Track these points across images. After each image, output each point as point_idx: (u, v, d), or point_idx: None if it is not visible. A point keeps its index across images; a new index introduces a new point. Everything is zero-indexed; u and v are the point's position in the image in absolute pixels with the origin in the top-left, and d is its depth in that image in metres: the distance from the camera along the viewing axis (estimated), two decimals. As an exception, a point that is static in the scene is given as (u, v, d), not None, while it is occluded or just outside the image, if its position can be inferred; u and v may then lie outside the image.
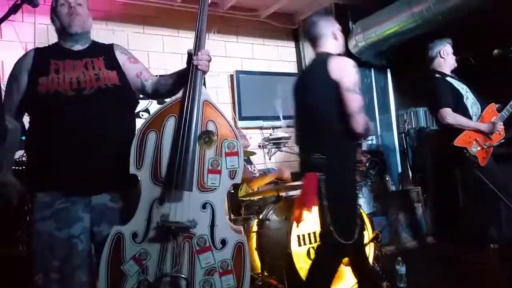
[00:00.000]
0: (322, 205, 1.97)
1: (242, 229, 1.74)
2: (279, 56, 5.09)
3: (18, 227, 2.68)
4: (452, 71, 3.05)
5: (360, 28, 4.47)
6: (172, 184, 1.57)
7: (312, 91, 2.10)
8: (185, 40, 4.27)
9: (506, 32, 3.46)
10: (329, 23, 2.22)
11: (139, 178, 1.64)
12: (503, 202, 2.78)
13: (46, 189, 1.61)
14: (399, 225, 3.79)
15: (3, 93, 1.60)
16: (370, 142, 4.70)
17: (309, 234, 2.67)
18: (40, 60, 1.70)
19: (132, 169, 1.61)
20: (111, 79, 1.72)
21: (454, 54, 3.06)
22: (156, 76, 1.89)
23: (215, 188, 1.64)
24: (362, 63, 4.80)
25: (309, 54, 5.08)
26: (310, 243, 2.66)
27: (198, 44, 1.72)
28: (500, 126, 2.90)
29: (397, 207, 3.90)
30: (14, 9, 1.44)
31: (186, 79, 1.72)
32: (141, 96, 1.92)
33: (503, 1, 3.24)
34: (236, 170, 1.66)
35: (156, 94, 1.89)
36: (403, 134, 4.68)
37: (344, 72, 1.99)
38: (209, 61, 1.72)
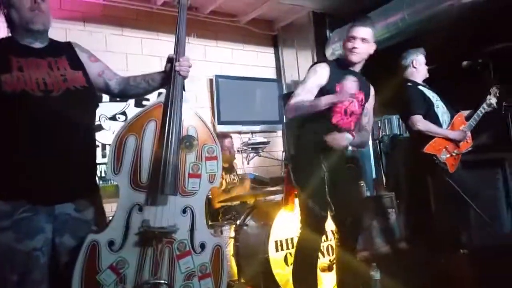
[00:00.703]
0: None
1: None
2: (258, 62, 5.13)
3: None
4: (424, 81, 3.15)
5: (337, 36, 4.56)
6: (156, 189, 1.55)
7: None
8: (164, 42, 4.24)
9: (474, 44, 3.62)
10: None
11: (117, 183, 1.59)
12: (472, 208, 2.88)
13: (6, 197, 1.48)
14: (373, 230, 3.85)
15: None
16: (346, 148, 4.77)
17: (286, 240, 2.69)
18: None
19: (110, 174, 1.57)
20: (78, 81, 1.64)
21: (426, 64, 3.16)
22: (120, 76, 1.84)
23: (195, 192, 1.65)
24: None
25: (287, 60, 5.15)
26: (288, 248, 2.68)
27: (179, 50, 1.74)
28: (468, 135, 3.01)
29: (371, 212, 3.96)
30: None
31: (160, 83, 1.77)
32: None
33: (473, 16, 3.38)
34: (215, 174, 1.69)
35: (123, 95, 1.85)
36: (377, 141, 4.79)
37: None
38: (190, 66, 1.74)
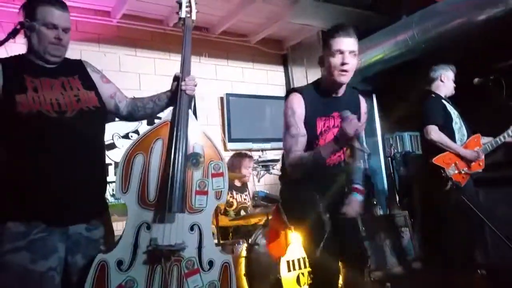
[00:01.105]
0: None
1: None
2: (268, 80, 5.17)
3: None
4: (448, 98, 3.14)
5: (347, 55, 4.57)
6: (164, 206, 1.55)
7: None
8: (177, 63, 4.27)
9: (485, 61, 3.60)
10: None
11: (124, 203, 1.59)
12: (488, 227, 2.82)
13: (21, 218, 1.47)
14: (387, 249, 3.79)
15: None
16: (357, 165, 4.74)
17: (298, 260, 2.66)
18: (11, 74, 1.55)
19: (118, 193, 1.57)
20: (91, 101, 1.66)
21: (454, 81, 3.15)
22: (129, 98, 1.85)
23: (202, 209, 1.66)
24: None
25: (297, 78, 5.19)
26: (300, 268, 2.65)
27: (185, 69, 1.77)
28: (482, 157, 2.97)
29: (384, 231, 3.91)
30: (13, 34, 1.46)
31: (167, 103, 1.79)
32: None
33: (483, 33, 3.38)
34: (221, 191, 1.69)
35: (131, 117, 1.85)
36: (389, 158, 4.75)
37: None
38: (195, 85, 1.76)
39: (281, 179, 2.12)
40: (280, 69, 5.34)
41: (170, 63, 4.34)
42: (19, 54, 1.67)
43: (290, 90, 1.97)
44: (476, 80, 2.99)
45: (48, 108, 1.54)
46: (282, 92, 5.23)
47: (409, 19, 3.87)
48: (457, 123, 3.00)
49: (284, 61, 5.36)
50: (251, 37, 4.89)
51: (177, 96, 1.71)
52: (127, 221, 1.57)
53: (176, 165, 1.59)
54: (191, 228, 1.62)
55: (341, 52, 1.82)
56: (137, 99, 1.85)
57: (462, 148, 2.93)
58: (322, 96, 1.90)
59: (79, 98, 1.62)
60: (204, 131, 1.75)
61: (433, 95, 3.07)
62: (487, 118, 3.07)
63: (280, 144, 5.09)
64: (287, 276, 2.58)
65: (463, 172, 2.90)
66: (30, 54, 1.64)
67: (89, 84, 1.71)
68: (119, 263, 1.51)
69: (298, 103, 1.84)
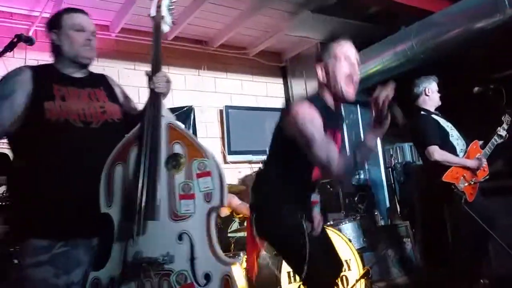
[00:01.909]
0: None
1: (235, 261, 1.58)
2: (267, 92, 5.19)
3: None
4: (436, 109, 3.13)
5: (345, 66, 4.60)
6: (140, 216, 1.41)
7: None
8: (177, 76, 4.34)
9: (485, 70, 3.62)
10: None
11: (111, 217, 1.48)
12: (492, 237, 2.80)
13: (45, 235, 1.43)
14: (389, 260, 3.76)
15: None
16: (358, 176, 4.73)
17: (299, 271, 2.63)
18: (40, 82, 1.54)
19: (103, 208, 1.46)
20: (116, 113, 1.65)
21: (438, 91, 3.13)
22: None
23: (190, 215, 1.45)
24: (348, 99, 4.92)
25: (296, 90, 5.21)
26: (296, 281, 2.62)
27: (155, 66, 1.65)
28: (484, 163, 2.96)
29: (386, 242, 3.88)
30: (10, 47, 1.45)
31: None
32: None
33: (481, 43, 3.40)
34: (211, 192, 1.47)
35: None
36: (390, 169, 4.74)
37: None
38: (168, 82, 1.63)
39: (258, 190, 1.82)
40: (279, 81, 5.36)
41: (170, 77, 4.34)
42: (47, 64, 1.67)
43: (299, 100, 1.80)
44: (476, 89, 2.99)
45: (75, 118, 1.52)
46: (281, 104, 5.24)
47: (408, 30, 3.91)
48: (453, 135, 2.97)
49: (283, 73, 5.38)
50: (250, 50, 4.92)
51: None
52: (115, 236, 1.45)
53: (146, 168, 1.44)
54: (179, 238, 1.43)
55: (349, 59, 1.69)
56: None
57: (466, 160, 2.90)
58: (326, 108, 1.73)
59: (104, 110, 1.61)
60: (182, 128, 1.58)
61: (423, 112, 3.04)
62: (487, 126, 3.07)
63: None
64: (289, 289, 2.55)
65: (472, 182, 2.88)
66: (58, 63, 1.64)
67: (113, 97, 1.71)
68: (111, 280, 1.41)
69: (315, 112, 1.62)
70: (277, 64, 5.31)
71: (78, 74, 1.66)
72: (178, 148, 1.52)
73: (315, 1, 4.00)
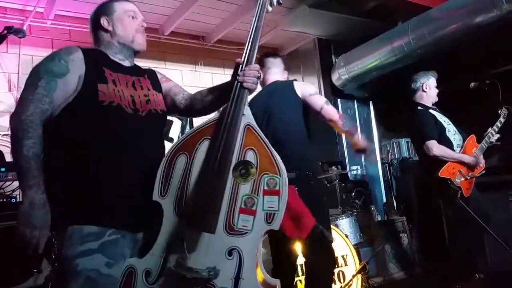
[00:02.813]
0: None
1: (278, 283, 1.39)
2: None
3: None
4: (434, 104, 3.13)
5: (343, 62, 4.61)
6: (196, 223, 1.30)
7: None
8: (173, 71, 4.33)
9: (481, 65, 3.63)
10: None
11: (162, 207, 1.37)
12: (487, 232, 2.81)
13: (92, 221, 1.31)
14: (386, 255, 3.77)
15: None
16: (355, 172, 4.75)
17: (299, 266, 2.63)
18: (92, 64, 1.46)
19: (156, 196, 1.34)
20: (160, 104, 1.58)
21: (436, 87, 3.12)
22: (188, 92, 1.72)
23: (246, 232, 1.31)
24: (345, 95, 4.93)
25: (293, 86, 5.19)
26: (298, 276, 2.62)
27: (248, 57, 1.47)
28: (481, 158, 2.96)
29: (383, 237, 3.90)
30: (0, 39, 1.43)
31: (226, 95, 1.48)
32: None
33: (478, 38, 3.40)
34: (274, 214, 1.31)
35: (190, 110, 1.68)
36: (387, 164, 4.75)
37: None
38: (258, 78, 1.47)
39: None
40: (276, 76, 5.34)
41: (166, 72, 4.30)
42: (96, 49, 1.60)
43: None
44: (472, 84, 3.00)
45: (127, 103, 1.44)
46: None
47: (405, 26, 3.90)
48: (450, 130, 2.97)
49: (280, 69, 5.37)
50: (247, 45, 4.91)
51: (232, 88, 1.44)
52: (162, 228, 1.34)
53: (214, 173, 1.31)
54: (229, 253, 1.31)
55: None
56: (197, 92, 1.70)
57: (464, 155, 2.90)
58: None
59: (148, 99, 1.54)
60: (260, 133, 1.39)
61: (420, 108, 3.03)
62: (484, 121, 3.08)
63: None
64: (286, 285, 2.55)
65: (468, 177, 2.89)
66: (107, 49, 1.58)
67: (158, 86, 1.64)
68: (147, 273, 1.31)
69: None
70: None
71: (127, 63, 1.60)
72: (250, 156, 1.36)
73: (312, -4, 3.99)
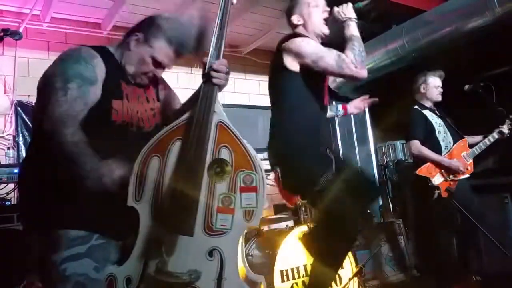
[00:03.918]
0: None
1: (262, 279, 1.40)
2: (260, 90, 5.19)
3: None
4: (436, 104, 3.15)
5: (338, 64, 4.61)
6: (173, 227, 1.26)
7: None
8: (168, 74, 4.29)
9: (475, 68, 3.65)
10: None
11: (138, 212, 1.32)
12: (482, 234, 2.82)
13: (82, 225, 1.28)
14: (382, 258, 3.77)
15: None
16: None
17: (292, 269, 2.63)
18: (110, 74, 1.36)
19: (130, 201, 1.29)
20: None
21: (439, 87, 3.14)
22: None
23: (226, 232, 1.29)
24: (340, 97, 4.94)
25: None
26: (294, 278, 2.61)
27: (216, 51, 1.42)
28: (469, 162, 2.99)
29: (379, 240, 3.89)
30: (-3, 40, 1.42)
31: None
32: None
33: (472, 41, 3.43)
34: (253, 210, 1.30)
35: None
36: (382, 167, 4.76)
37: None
38: (227, 73, 1.40)
39: (276, 146, 1.97)
40: (272, 79, 5.36)
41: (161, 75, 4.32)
42: (104, 47, 1.44)
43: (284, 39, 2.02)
44: (467, 86, 3.03)
45: (135, 121, 1.38)
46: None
47: (399, 28, 3.92)
48: (440, 131, 3.01)
49: (276, 72, 5.38)
50: (242, 48, 4.91)
51: (201, 86, 1.38)
52: (140, 233, 1.30)
53: (187, 173, 1.27)
54: (210, 254, 1.28)
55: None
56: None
57: (443, 158, 2.94)
58: None
59: (155, 113, 1.48)
60: (234, 130, 1.36)
61: (416, 107, 3.09)
62: (479, 123, 3.10)
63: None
64: (281, 287, 2.54)
65: (449, 179, 2.93)
66: (116, 52, 1.45)
67: (161, 95, 1.58)
68: (128, 281, 1.28)
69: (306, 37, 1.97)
70: (269, 62, 5.28)
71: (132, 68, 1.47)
72: (225, 153, 1.33)
73: (308, -1, 4.00)
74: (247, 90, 5.06)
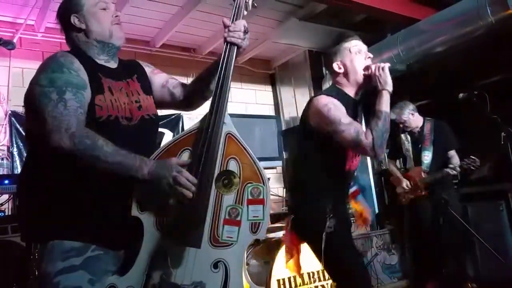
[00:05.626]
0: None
1: None
2: (256, 99, 5.20)
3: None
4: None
5: (333, 73, 4.64)
6: (177, 237, 1.25)
7: None
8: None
9: (469, 76, 3.68)
10: None
11: (142, 222, 1.31)
12: (478, 241, 2.83)
13: (78, 236, 1.25)
14: (379, 266, 3.76)
15: None
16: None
17: (289, 278, 2.62)
18: (90, 71, 1.33)
19: (134, 211, 1.28)
20: (151, 108, 1.47)
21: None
22: (182, 82, 1.64)
23: (231, 244, 1.28)
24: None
25: (285, 98, 5.23)
26: (290, 287, 2.60)
27: (233, 16, 1.46)
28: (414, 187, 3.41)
29: (375, 248, 3.89)
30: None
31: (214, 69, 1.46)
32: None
33: (466, 50, 3.46)
34: (259, 223, 1.29)
35: (189, 103, 1.61)
36: (379, 175, 4.77)
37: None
38: (246, 32, 1.41)
39: (294, 193, 1.98)
40: (268, 88, 5.38)
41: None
42: (81, 52, 1.41)
43: (317, 94, 1.89)
44: (461, 95, 3.05)
45: (122, 114, 1.34)
46: (270, 111, 5.26)
47: (394, 38, 3.96)
48: (409, 150, 3.54)
49: (272, 81, 5.40)
50: (239, 57, 4.93)
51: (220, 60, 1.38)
52: (143, 244, 1.28)
53: (197, 185, 1.24)
54: (215, 266, 1.27)
55: (369, 57, 1.92)
56: (188, 85, 1.64)
57: (398, 178, 3.57)
58: (346, 99, 1.85)
59: (140, 105, 1.43)
60: (242, 141, 1.36)
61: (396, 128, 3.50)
62: (472, 131, 3.12)
63: (270, 163, 5.08)
64: (278, 297, 2.53)
65: (407, 188, 3.48)
66: (89, 51, 1.42)
67: (147, 86, 1.53)
68: None
69: (337, 101, 1.76)
70: (266, 72, 5.33)
71: (112, 64, 1.46)
72: (233, 165, 1.33)
73: (303, 9, 4.04)
74: (244, 99, 5.07)
